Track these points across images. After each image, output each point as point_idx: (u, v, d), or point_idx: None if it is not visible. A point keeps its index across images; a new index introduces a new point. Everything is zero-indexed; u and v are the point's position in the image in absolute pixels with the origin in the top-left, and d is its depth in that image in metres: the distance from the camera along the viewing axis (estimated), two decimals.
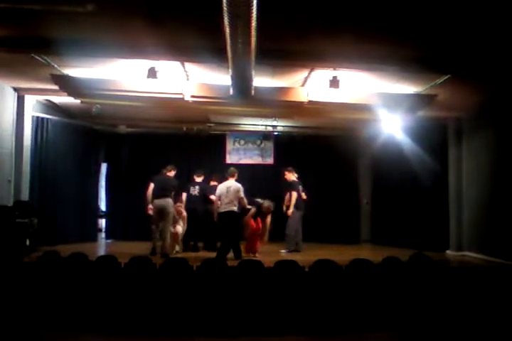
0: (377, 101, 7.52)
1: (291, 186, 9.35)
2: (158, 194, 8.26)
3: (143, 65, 6.76)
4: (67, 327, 4.78)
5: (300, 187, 9.49)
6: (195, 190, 9.29)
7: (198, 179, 9.54)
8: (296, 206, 9.24)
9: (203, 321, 4.88)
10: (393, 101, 7.61)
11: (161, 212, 8.21)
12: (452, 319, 4.88)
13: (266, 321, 4.89)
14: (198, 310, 5.02)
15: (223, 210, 7.99)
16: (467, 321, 4.79)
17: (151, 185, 8.33)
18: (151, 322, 4.86)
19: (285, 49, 6.10)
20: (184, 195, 9.15)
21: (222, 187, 8.15)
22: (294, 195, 9.18)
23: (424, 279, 5.43)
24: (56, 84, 7.25)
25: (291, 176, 9.50)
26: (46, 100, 9.32)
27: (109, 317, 4.93)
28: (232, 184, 8.17)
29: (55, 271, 5.46)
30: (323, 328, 4.87)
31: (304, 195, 9.54)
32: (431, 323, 4.85)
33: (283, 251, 9.14)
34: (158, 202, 8.22)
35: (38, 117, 9.24)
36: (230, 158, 11.93)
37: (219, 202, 8.07)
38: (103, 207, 12.39)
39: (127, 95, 7.30)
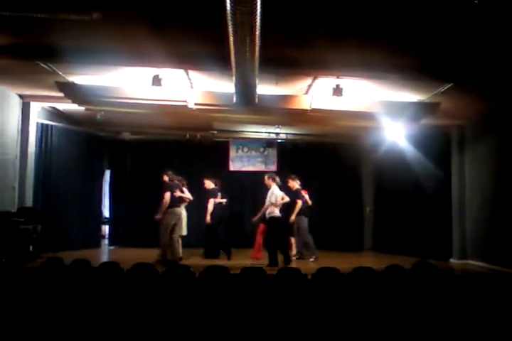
0: (381, 109, 7.54)
1: (296, 195, 9.31)
2: (179, 202, 8.44)
3: (147, 72, 6.80)
4: (70, 334, 4.78)
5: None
6: (218, 197, 9.47)
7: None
8: (304, 213, 9.29)
9: (204, 330, 4.87)
10: (396, 109, 7.62)
11: (179, 220, 8.38)
12: (455, 327, 4.85)
13: (268, 329, 4.88)
14: (199, 318, 5.01)
15: (279, 216, 8.35)
16: (471, 329, 4.76)
17: (168, 194, 8.27)
18: (154, 329, 4.85)
19: (289, 57, 6.13)
20: (212, 202, 9.24)
21: (281, 193, 8.44)
22: (299, 203, 9.17)
23: (428, 287, 5.41)
24: (61, 91, 7.31)
25: (295, 184, 9.45)
26: (51, 107, 9.39)
27: (112, 324, 4.92)
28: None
29: (58, 277, 5.46)
30: (325, 337, 4.85)
31: (309, 201, 9.56)
32: (434, 332, 4.82)
33: (311, 259, 9.16)
34: (179, 210, 8.40)
35: (42, 124, 9.30)
36: (233, 166, 11.96)
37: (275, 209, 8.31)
38: (106, 213, 12.40)
39: (131, 102, 7.34)
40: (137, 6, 4.83)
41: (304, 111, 7.60)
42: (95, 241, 10.85)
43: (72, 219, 9.94)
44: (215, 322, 4.94)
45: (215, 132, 11.08)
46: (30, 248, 7.90)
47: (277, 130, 10.85)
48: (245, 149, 12.02)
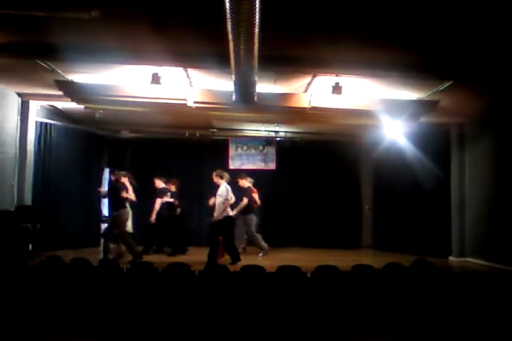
0: (380, 107, 7.54)
1: (243, 192, 9.47)
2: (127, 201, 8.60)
3: (146, 70, 6.79)
4: (69, 332, 4.78)
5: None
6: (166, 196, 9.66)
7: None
8: (253, 212, 9.50)
9: (204, 328, 4.88)
10: (396, 107, 7.62)
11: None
12: (455, 325, 4.86)
13: (268, 327, 4.88)
14: (199, 316, 5.02)
15: (230, 214, 8.22)
16: (469, 327, 4.77)
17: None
18: (153, 327, 4.86)
19: (288, 55, 6.11)
20: (159, 202, 9.45)
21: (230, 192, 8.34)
22: (245, 201, 9.22)
23: (427, 285, 5.42)
24: (60, 89, 7.30)
25: (245, 182, 9.64)
26: (50, 105, 9.38)
27: (111, 322, 4.93)
28: None
29: (57, 275, 5.46)
30: (325, 334, 4.86)
31: (258, 201, 9.83)
32: (433, 329, 4.84)
33: (260, 254, 9.29)
34: (128, 209, 8.70)
35: (41, 122, 9.28)
36: (233, 164, 11.95)
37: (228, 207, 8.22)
38: (106, 211, 12.38)
39: (131, 101, 7.34)
40: (137, 4, 4.82)
41: (303, 110, 7.60)
42: (94, 239, 10.82)
43: (71, 218, 9.93)
44: (215, 320, 4.95)
45: (215, 130, 11.07)
46: (30, 246, 7.90)
47: (277, 128, 10.84)
48: (245, 147, 12.01)
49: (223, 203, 8.02)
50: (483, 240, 8.79)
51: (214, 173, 8.44)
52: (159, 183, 9.72)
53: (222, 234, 8.08)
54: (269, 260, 8.06)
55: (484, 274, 7.18)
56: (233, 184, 10.95)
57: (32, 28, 5.50)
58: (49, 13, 4.87)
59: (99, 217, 11.58)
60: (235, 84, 6.58)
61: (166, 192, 9.63)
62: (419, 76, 6.65)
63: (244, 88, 6.71)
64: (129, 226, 8.74)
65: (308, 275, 5.59)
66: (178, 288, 5.30)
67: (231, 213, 8.25)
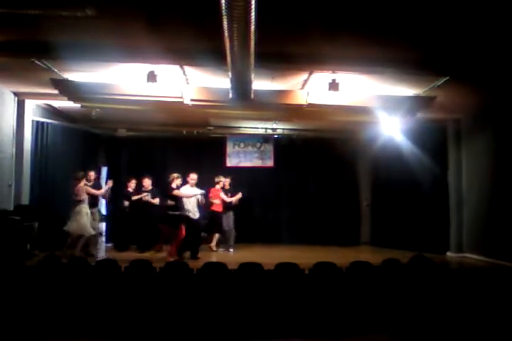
0: (377, 103, 7.54)
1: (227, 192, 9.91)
2: None
3: (142, 68, 6.77)
4: (67, 331, 4.78)
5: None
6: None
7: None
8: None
9: (203, 325, 4.88)
10: (392, 103, 7.62)
11: None
12: (452, 321, 4.87)
13: (267, 324, 4.89)
14: (198, 314, 5.02)
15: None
16: (467, 323, 4.79)
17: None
18: (152, 326, 4.85)
19: (284, 52, 6.11)
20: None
21: None
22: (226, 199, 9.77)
23: (425, 281, 5.43)
24: (56, 88, 7.27)
25: (227, 184, 10.06)
26: (46, 104, 9.35)
27: (109, 321, 4.92)
28: None
29: (55, 275, 5.46)
30: (324, 330, 4.87)
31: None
32: (431, 325, 4.84)
33: (231, 250, 9.57)
34: None
35: (38, 121, 9.25)
36: (230, 161, 11.94)
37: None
38: (103, 210, 12.36)
39: (127, 99, 7.32)
40: (132, 1, 4.81)
41: (300, 106, 7.59)
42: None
43: (68, 217, 9.89)
44: (214, 317, 4.96)
45: (212, 128, 11.05)
46: (28, 246, 7.87)
47: (274, 125, 10.83)
48: (242, 145, 12.00)
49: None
50: (480, 236, 8.81)
51: (196, 176, 8.77)
52: (149, 184, 9.73)
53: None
54: (267, 257, 8.05)
55: (482, 270, 7.20)
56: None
57: (27, 27, 5.47)
58: (44, 11, 4.84)
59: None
60: (232, 82, 6.56)
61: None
62: (416, 72, 6.66)
63: (241, 85, 6.69)
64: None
65: (306, 272, 5.60)
66: (176, 286, 5.30)
67: (197, 216, 8.60)
